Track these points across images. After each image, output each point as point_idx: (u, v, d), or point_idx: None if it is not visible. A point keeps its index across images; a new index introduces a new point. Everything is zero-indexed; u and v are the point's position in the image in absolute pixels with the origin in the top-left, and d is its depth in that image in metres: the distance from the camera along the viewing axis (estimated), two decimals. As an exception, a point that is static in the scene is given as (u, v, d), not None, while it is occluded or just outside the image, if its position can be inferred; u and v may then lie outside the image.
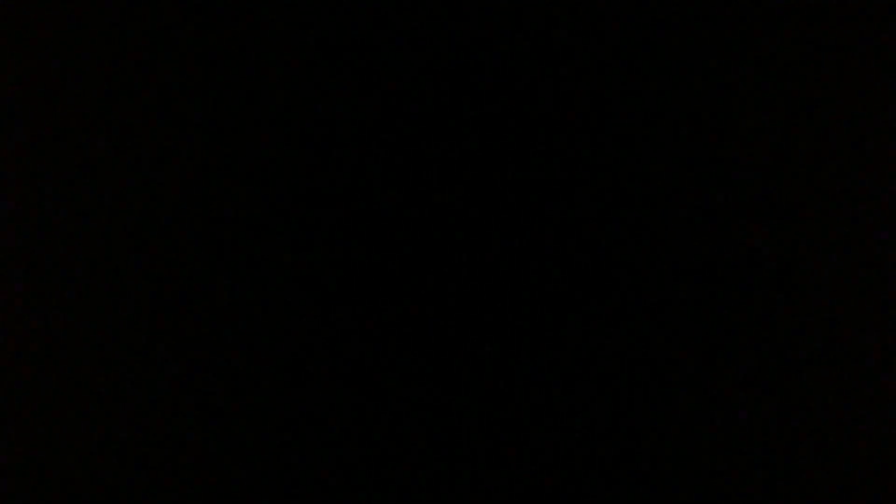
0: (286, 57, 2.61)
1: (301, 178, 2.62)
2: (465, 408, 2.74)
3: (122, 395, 2.46)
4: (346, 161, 2.65)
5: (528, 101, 2.73)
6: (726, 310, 2.52)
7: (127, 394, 2.47)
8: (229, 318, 2.55)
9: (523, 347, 2.73)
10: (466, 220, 2.74)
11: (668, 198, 2.59)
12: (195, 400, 2.52)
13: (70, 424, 2.42)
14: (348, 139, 2.66)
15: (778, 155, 2.47)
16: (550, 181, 2.71)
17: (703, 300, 2.55)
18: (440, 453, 2.71)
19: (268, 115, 2.59)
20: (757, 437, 2.48)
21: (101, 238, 2.46)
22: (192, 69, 2.53)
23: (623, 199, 2.64)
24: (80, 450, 2.43)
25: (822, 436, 2.41)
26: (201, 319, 2.52)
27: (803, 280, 2.44)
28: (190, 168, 2.52)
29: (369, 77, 2.68)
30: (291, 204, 2.61)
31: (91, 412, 2.44)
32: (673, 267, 2.58)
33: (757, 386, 2.48)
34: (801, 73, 2.45)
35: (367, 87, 2.68)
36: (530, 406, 2.72)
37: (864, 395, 2.37)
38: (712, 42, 2.55)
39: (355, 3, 2.67)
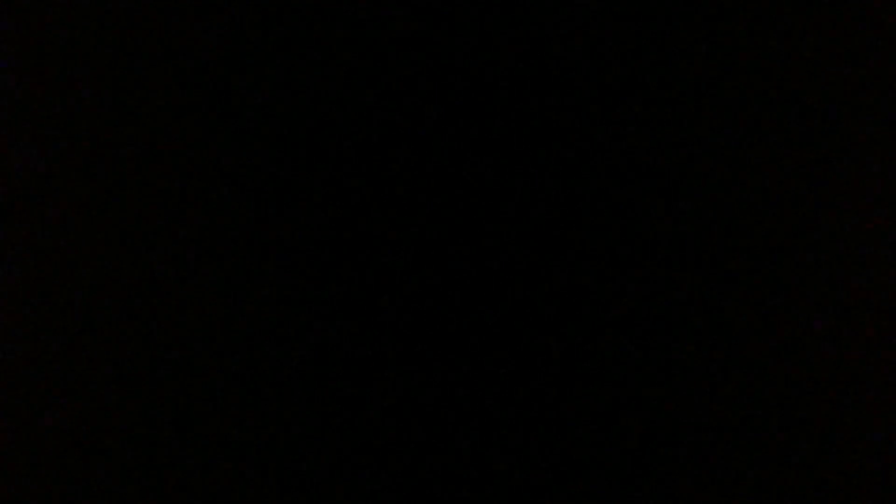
0: (285, 57, 2.61)
1: (301, 178, 2.62)
2: (464, 408, 2.74)
3: (120, 394, 2.47)
4: (346, 161, 2.66)
5: (529, 101, 2.73)
6: (726, 310, 2.53)
7: (125, 393, 2.47)
8: (228, 317, 2.55)
9: (522, 347, 2.73)
10: (466, 220, 2.74)
11: (668, 198, 2.60)
12: (194, 400, 2.52)
13: (69, 424, 2.42)
14: (348, 140, 2.66)
15: (777, 155, 2.48)
16: (550, 180, 2.72)
17: (703, 300, 2.55)
18: (439, 453, 2.71)
19: (267, 116, 2.59)
20: (757, 437, 2.49)
21: (100, 237, 2.46)
22: (191, 69, 2.53)
23: (623, 199, 2.65)
24: (80, 449, 2.43)
25: (821, 436, 2.42)
26: (200, 319, 2.53)
27: (803, 280, 2.44)
28: (189, 168, 2.52)
29: (368, 77, 2.69)
30: (290, 204, 2.61)
31: (90, 412, 2.44)
32: (673, 266, 2.59)
33: (757, 386, 2.49)
34: (802, 73, 2.45)
35: (366, 88, 2.68)
36: (530, 406, 2.72)
37: (863, 396, 2.37)
38: (712, 42, 2.56)
39: (355, 3, 2.67)
